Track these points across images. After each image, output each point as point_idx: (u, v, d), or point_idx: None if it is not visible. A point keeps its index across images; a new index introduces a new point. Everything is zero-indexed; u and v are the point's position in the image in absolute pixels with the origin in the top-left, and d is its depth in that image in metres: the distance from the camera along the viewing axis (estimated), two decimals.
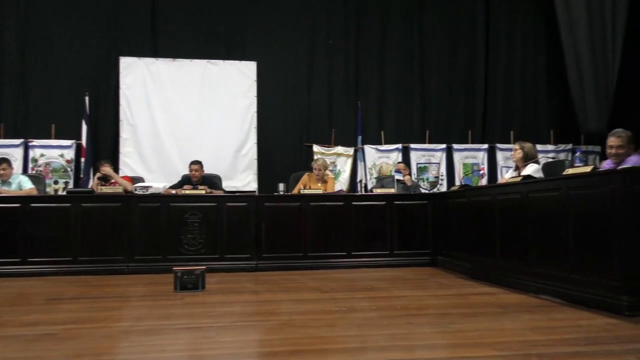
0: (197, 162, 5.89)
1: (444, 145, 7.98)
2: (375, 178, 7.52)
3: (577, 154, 4.18)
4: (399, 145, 7.88)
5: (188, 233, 5.15)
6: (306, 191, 5.61)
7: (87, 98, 7.15)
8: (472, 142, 8.06)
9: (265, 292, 3.95)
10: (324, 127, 7.86)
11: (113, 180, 5.77)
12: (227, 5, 7.66)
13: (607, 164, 4.04)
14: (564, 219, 3.27)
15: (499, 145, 8.03)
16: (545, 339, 2.36)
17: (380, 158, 7.84)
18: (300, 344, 2.35)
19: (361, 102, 7.92)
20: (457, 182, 7.68)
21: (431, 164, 7.95)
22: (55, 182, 7.10)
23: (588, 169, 3.38)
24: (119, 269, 5.00)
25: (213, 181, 5.97)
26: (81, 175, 7.06)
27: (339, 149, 7.83)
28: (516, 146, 4.73)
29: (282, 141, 7.69)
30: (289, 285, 4.28)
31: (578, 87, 7.22)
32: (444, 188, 7.77)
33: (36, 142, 7.08)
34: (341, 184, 7.61)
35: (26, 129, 7.13)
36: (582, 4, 7.08)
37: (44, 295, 3.79)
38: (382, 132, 7.96)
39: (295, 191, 5.84)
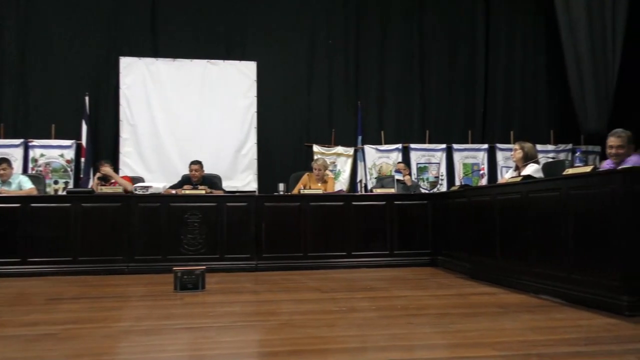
0: (197, 162, 5.89)
1: (444, 145, 7.98)
2: (375, 178, 7.52)
3: (577, 154, 4.18)
4: (399, 145, 7.88)
5: (188, 233, 5.15)
6: (306, 191, 5.61)
7: (87, 98, 7.15)
8: (472, 142, 8.06)
9: (265, 292, 3.95)
10: (324, 127, 7.86)
11: (113, 180, 5.77)
12: (227, 5, 7.66)
13: (607, 164, 4.04)
14: (564, 219, 3.27)
15: (499, 145, 8.03)
16: (545, 339, 2.36)
17: (380, 158, 7.84)
18: (300, 344, 2.35)
19: (361, 102, 7.92)
20: (457, 182, 7.68)
21: (431, 164, 7.95)
22: (55, 182, 7.10)
23: (588, 169, 3.38)
24: (119, 269, 5.00)
25: (213, 181, 5.97)
26: (81, 175, 7.06)
27: (339, 149, 7.83)
28: (516, 146, 4.73)
29: (282, 141, 7.69)
30: (289, 285, 4.28)
31: (578, 87, 7.22)
32: (444, 188, 7.77)
33: (36, 142, 7.09)
34: (341, 184, 7.61)
35: (26, 129, 7.13)
36: (582, 4, 7.08)
37: (44, 295, 3.79)
38: (382, 132, 7.96)
39: (295, 191, 5.84)
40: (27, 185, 5.44)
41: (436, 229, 5.49)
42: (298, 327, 2.65)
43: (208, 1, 7.63)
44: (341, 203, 5.47)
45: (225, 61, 7.54)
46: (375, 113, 8.02)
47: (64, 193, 6.48)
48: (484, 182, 6.65)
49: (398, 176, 6.38)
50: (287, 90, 7.78)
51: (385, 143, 7.90)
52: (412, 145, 7.94)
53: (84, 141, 7.09)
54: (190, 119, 7.35)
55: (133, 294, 3.94)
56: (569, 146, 8.04)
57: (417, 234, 5.53)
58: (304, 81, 7.86)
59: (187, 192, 5.41)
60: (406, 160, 7.77)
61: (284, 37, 7.80)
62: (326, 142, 7.83)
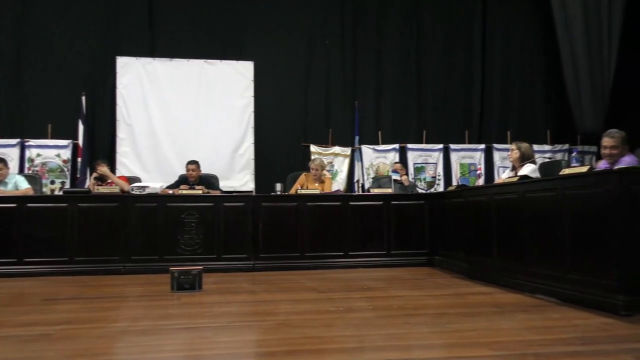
0: (194, 162, 5.88)
1: (441, 146, 7.99)
2: (373, 178, 7.52)
3: (574, 154, 4.19)
4: (396, 146, 7.89)
5: (185, 233, 5.14)
6: (303, 191, 5.61)
7: (83, 98, 7.14)
8: (469, 142, 8.08)
9: (262, 292, 3.95)
10: (322, 127, 7.86)
11: (110, 180, 5.76)
12: (224, 5, 7.66)
13: (603, 164, 4.06)
14: (561, 219, 3.27)
15: (496, 146, 8.05)
16: (542, 338, 2.36)
17: (378, 158, 7.85)
18: (298, 344, 2.35)
19: (358, 102, 7.93)
20: (454, 182, 7.69)
21: (428, 164, 7.96)
22: (52, 182, 7.08)
23: (584, 169, 3.39)
24: (116, 269, 4.99)
25: (210, 181, 5.97)
26: (78, 175, 7.05)
27: (336, 149, 7.83)
28: (513, 146, 4.74)
29: (280, 141, 7.69)
30: (286, 285, 4.28)
31: (574, 85, 7.25)
32: (441, 188, 7.79)
33: (32, 141, 7.07)
34: (338, 184, 7.61)
35: (22, 128, 7.12)
36: (578, 1, 7.10)
37: (40, 296, 3.78)
38: (380, 132, 7.97)
39: (292, 191, 5.84)
40: (24, 185, 5.42)
41: (433, 229, 5.49)
42: (295, 327, 2.65)
43: (205, 1, 7.63)
44: (338, 203, 5.47)
45: (223, 61, 7.54)
46: (372, 113, 8.03)
47: (61, 193, 6.47)
48: (481, 182, 6.67)
49: (395, 176, 6.39)
50: (284, 90, 7.78)
51: (383, 143, 7.91)
52: (409, 146, 7.95)
53: (80, 141, 7.07)
54: (187, 119, 7.34)
55: (130, 294, 3.93)
56: (566, 146, 8.07)
57: (414, 234, 5.54)
58: (301, 81, 7.86)
59: (184, 192, 5.41)
60: (403, 160, 7.78)
61: (281, 37, 7.80)
62: (323, 142, 7.83)
